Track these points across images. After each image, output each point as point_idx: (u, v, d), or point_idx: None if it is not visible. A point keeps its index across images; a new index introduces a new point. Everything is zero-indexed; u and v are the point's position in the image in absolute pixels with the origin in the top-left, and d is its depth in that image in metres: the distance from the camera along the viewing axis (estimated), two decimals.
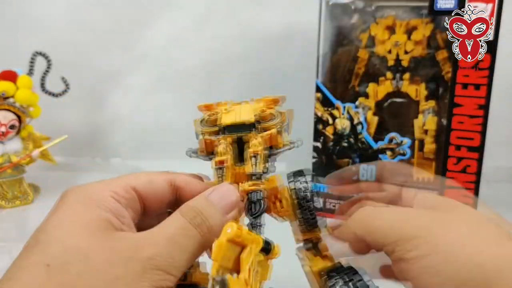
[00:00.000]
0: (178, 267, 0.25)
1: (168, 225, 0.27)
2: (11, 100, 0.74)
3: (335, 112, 0.77)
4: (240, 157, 0.33)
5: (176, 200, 0.30)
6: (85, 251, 0.24)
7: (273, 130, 0.33)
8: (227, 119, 0.33)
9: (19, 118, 0.75)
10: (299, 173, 0.34)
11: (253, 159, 0.31)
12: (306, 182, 0.33)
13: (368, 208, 0.32)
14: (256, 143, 0.32)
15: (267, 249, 0.29)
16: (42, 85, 0.80)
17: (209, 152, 0.34)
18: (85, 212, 0.26)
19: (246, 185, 0.31)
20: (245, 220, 0.31)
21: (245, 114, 0.33)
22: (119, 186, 0.28)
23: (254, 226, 0.31)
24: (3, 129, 0.73)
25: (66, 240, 0.24)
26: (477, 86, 0.60)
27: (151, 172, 0.31)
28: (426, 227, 0.28)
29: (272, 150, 0.34)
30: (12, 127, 0.75)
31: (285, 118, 0.34)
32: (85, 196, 0.27)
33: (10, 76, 0.75)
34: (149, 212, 0.30)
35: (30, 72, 0.78)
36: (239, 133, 0.33)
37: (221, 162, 0.31)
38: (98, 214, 0.26)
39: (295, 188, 0.33)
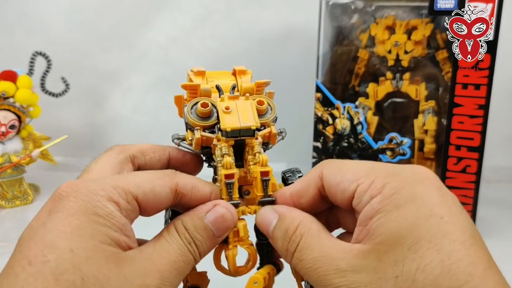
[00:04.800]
0: None
1: (169, 249, 0.27)
2: (11, 100, 0.74)
3: (335, 112, 0.77)
4: (237, 158, 0.31)
5: (177, 204, 0.29)
6: (101, 282, 0.23)
7: (273, 128, 0.32)
8: (230, 123, 0.30)
9: (19, 118, 0.75)
10: (292, 172, 0.33)
11: (264, 182, 0.30)
12: None
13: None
14: (263, 159, 0.30)
15: (278, 271, 0.32)
16: (42, 85, 0.80)
17: (202, 147, 0.32)
18: (94, 230, 0.25)
19: (257, 207, 0.30)
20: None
21: (249, 117, 0.31)
22: (121, 196, 0.26)
23: (266, 252, 0.32)
24: (3, 129, 0.73)
25: (82, 267, 0.23)
26: (477, 86, 0.60)
27: (154, 175, 0.28)
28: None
29: (267, 145, 0.33)
30: (12, 127, 0.75)
31: (275, 108, 0.33)
32: (89, 209, 0.25)
33: (10, 76, 0.75)
34: (142, 214, 0.29)
35: (30, 72, 0.78)
36: (242, 137, 0.31)
37: (230, 176, 0.30)
38: (108, 234, 0.25)
39: None
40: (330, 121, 0.77)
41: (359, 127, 0.76)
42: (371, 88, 0.74)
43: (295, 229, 0.27)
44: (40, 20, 0.93)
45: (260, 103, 0.32)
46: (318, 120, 0.78)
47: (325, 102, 0.77)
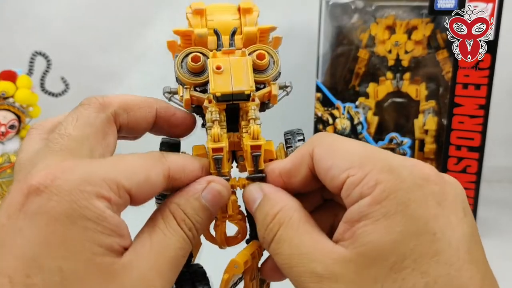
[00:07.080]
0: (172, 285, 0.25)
1: (169, 243, 0.24)
2: (10, 100, 0.74)
3: (335, 112, 0.77)
4: (232, 121, 0.28)
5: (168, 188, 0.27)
6: None
7: (273, 88, 0.28)
8: (221, 87, 0.26)
9: (18, 118, 0.75)
10: (293, 134, 0.30)
11: (254, 158, 0.27)
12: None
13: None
14: (254, 131, 0.26)
15: None
16: (42, 85, 0.80)
17: (192, 105, 0.28)
18: (84, 240, 0.21)
19: (246, 182, 0.28)
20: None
21: (243, 79, 0.26)
22: (112, 190, 0.22)
23: (252, 223, 0.30)
24: (2, 129, 0.73)
25: (80, 284, 0.21)
26: (477, 86, 0.60)
27: (145, 161, 0.25)
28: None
29: (267, 105, 0.29)
30: (12, 127, 0.74)
31: (279, 62, 0.29)
32: (76, 211, 0.21)
33: (10, 76, 0.75)
34: (132, 204, 0.25)
35: (30, 72, 0.77)
36: (235, 101, 0.27)
37: (219, 150, 0.26)
38: (100, 242, 0.21)
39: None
40: (330, 121, 0.77)
41: (359, 127, 0.76)
42: (371, 88, 0.74)
43: (274, 216, 0.25)
44: (40, 20, 0.93)
45: (261, 57, 0.28)
46: (318, 120, 0.78)
47: (325, 102, 0.77)
